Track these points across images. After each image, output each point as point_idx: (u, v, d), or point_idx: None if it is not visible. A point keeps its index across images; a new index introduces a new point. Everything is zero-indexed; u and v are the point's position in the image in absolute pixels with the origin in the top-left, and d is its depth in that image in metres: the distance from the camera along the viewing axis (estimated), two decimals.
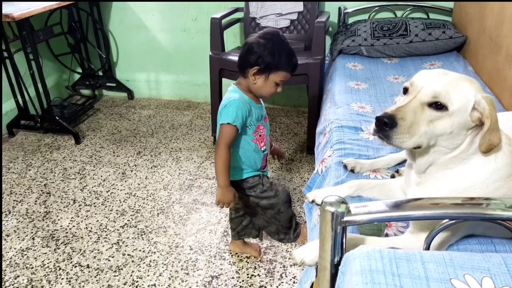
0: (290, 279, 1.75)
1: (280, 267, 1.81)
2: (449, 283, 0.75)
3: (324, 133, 1.86)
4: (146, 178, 2.45)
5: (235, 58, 2.58)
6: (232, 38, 3.14)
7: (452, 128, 0.98)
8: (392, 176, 1.38)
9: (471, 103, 0.98)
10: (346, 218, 0.87)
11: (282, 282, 1.74)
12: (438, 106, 0.97)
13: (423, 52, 2.49)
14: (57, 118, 2.80)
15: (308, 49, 2.75)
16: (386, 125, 0.96)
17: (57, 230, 2.04)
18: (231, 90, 1.52)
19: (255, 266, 1.82)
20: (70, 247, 1.94)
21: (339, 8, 2.84)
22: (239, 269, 1.80)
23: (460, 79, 1.02)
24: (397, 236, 1.07)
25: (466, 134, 1.00)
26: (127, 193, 2.32)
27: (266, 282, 1.74)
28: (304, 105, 3.21)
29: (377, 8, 2.82)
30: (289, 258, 1.85)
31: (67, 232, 2.03)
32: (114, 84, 3.48)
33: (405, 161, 1.49)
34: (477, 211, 0.82)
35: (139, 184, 2.39)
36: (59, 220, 2.11)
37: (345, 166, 1.44)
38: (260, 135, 1.57)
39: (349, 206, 0.88)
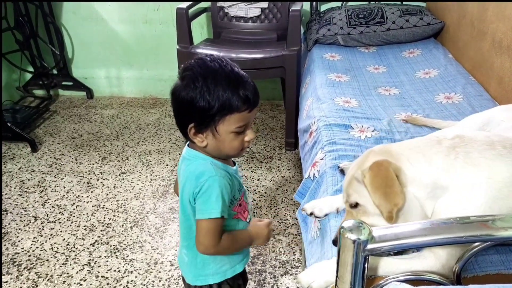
0: None
1: (271, 278, 1.69)
2: None
3: (309, 131, 1.74)
4: (114, 187, 2.24)
5: (205, 51, 2.41)
6: (199, 29, 2.94)
7: (374, 209, 0.94)
8: None
9: (361, 188, 0.94)
10: (370, 246, 0.75)
11: None
12: (352, 204, 0.98)
13: (401, 40, 2.41)
14: (9, 124, 2.52)
15: (281, 39, 2.61)
16: None
17: (18, 253, 1.82)
18: (193, 157, 0.98)
19: None
20: (35, 273, 1.72)
21: None
22: None
23: (352, 170, 0.98)
24: (412, 254, 0.96)
25: None
26: (95, 205, 2.11)
27: None
28: (278, 98, 3.08)
29: None
30: (279, 267, 1.74)
31: (30, 255, 1.81)
32: (71, 83, 3.19)
33: None
34: None
35: (107, 194, 2.18)
36: (19, 241, 1.89)
37: (341, 171, 1.32)
38: (241, 205, 1.05)
39: (372, 231, 0.76)
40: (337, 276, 0.81)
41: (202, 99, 0.87)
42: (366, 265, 0.78)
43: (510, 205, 0.88)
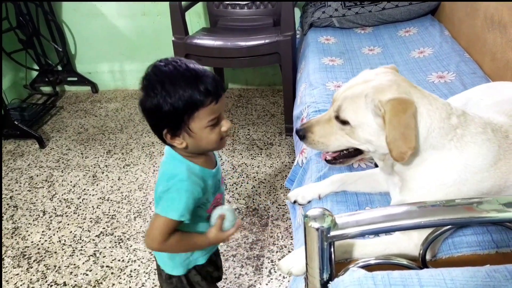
0: (280, 275, 1.68)
1: (268, 263, 1.73)
2: None
3: (301, 117, 1.76)
4: (119, 179, 2.31)
5: (201, 41, 2.43)
6: (196, 18, 2.95)
7: (366, 136, 0.96)
8: (376, 165, 1.29)
9: (369, 114, 0.94)
10: (332, 233, 0.79)
11: (271, 279, 1.67)
12: (342, 119, 0.98)
13: (397, 19, 2.38)
14: (16, 123, 2.60)
15: (278, 24, 2.60)
16: (299, 137, 1.06)
17: (28, 247, 1.91)
18: (171, 157, 0.99)
19: (242, 265, 1.73)
20: (44, 265, 1.81)
21: None
22: (226, 269, 1.71)
23: (366, 90, 0.95)
24: (388, 237, 0.99)
25: None
26: (100, 197, 2.18)
27: (255, 281, 1.66)
28: (279, 83, 3.08)
29: None
30: (277, 252, 1.78)
31: (39, 248, 1.90)
32: (76, 78, 3.26)
33: None
34: (477, 215, 0.74)
35: (112, 187, 2.25)
36: (29, 235, 1.98)
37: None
38: (215, 206, 1.06)
39: (335, 218, 0.79)
40: (306, 263, 0.84)
41: (165, 104, 0.88)
42: (332, 250, 0.81)
43: (478, 189, 0.91)
